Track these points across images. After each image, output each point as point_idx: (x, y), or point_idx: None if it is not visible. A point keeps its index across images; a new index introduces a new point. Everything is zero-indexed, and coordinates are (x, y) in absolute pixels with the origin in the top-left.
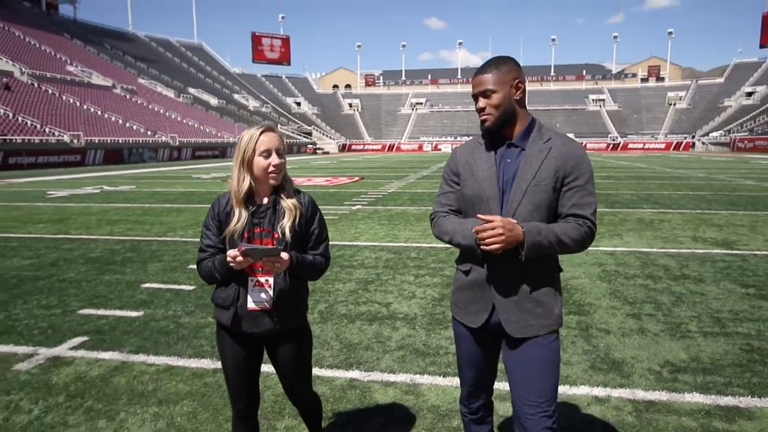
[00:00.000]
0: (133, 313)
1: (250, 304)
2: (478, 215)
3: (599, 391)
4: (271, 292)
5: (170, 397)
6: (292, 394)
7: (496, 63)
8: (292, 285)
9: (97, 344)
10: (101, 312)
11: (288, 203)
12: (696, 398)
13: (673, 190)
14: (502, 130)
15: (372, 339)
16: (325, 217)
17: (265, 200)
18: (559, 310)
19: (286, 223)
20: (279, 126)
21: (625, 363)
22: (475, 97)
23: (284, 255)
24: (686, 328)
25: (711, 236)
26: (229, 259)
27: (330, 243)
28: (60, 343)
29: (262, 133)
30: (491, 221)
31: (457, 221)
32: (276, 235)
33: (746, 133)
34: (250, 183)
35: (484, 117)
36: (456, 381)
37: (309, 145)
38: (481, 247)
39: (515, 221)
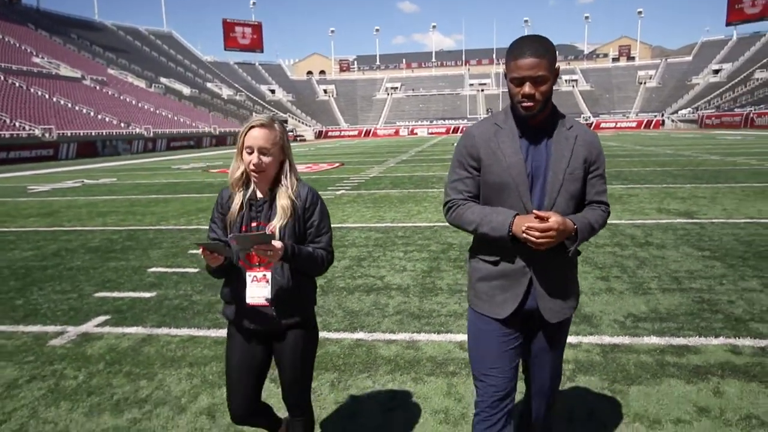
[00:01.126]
0: (147, 294)
1: (249, 300)
2: (535, 211)
3: (572, 339)
4: (269, 287)
5: (198, 360)
6: (289, 394)
7: (546, 46)
8: (293, 280)
9: (119, 321)
10: (116, 294)
11: (282, 203)
12: (653, 340)
13: (642, 166)
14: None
15: (371, 306)
16: None
17: (264, 193)
18: (579, 290)
19: (276, 223)
20: (254, 114)
21: (594, 316)
22: (522, 80)
23: (277, 243)
24: (647, 286)
25: (674, 207)
26: (199, 251)
27: None
28: (84, 321)
29: (251, 128)
30: (545, 219)
31: (482, 211)
32: (272, 230)
33: (713, 110)
34: (243, 172)
35: (530, 105)
36: (450, 336)
37: (290, 133)
38: (529, 244)
39: (565, 218)
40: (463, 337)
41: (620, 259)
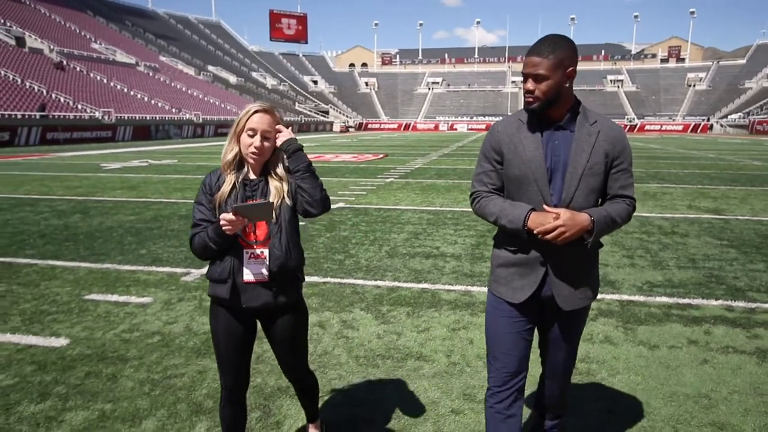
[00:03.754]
0: None
1: (247, 276)
2: (545, 207)
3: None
4: (267, 263)
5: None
6: (287, 370)
7: (553, 46)
8: (288, 256)
9: None
10: None
11: (276, 184)
12: (663, 300)
13: (680, 168)
14: (547, 111)
15: (431, 267)
16: (364, 187)
17: (257, 176)
18: (598, 281)
19: (272, 200)
20: (296, 104)
21: (617, 281)
22: (525, 76)
23: (284, 130)
24: (666, 264)
25: (704, 205)
26: (223, 222)
27: (376, 206)
28: (203, 266)
29: (255, 112)
30: (554, 216)
31: (502, 204)
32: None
33: (765, 116)
34: (237, 155)
35: (531, 99)
36: None
37: (341, 123)
38: (541, 237)
39: (576, 212)
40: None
41: (646, 243)
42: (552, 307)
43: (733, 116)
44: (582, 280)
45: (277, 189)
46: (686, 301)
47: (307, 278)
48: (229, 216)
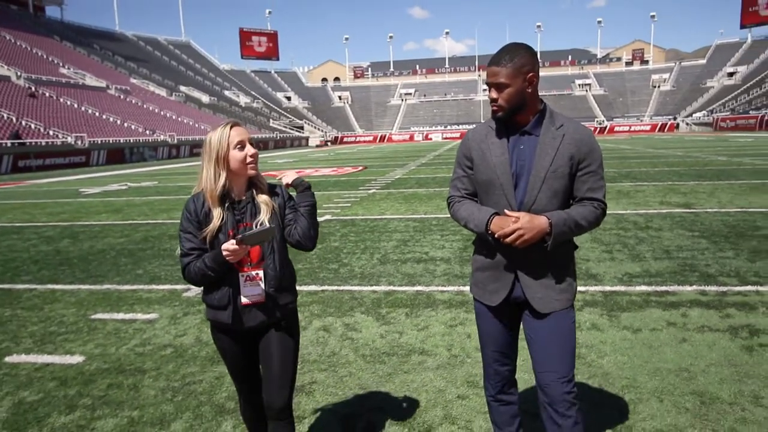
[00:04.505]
0: None
1: (244, 299)
2: (506, 211)
3: (580, 288)
4: (262, 285)
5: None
6: (276, 397)
7: (511, 54)
8: (282, 274)
9: None
10: None
11: (263, 198)
12: (642, 288)
13: (651, 167)
14: (514, 117)
15: (423, 271)
16: (348, 199)
17: (243, 196)
18: (576, 284)
19: (263, 217)
20: (271, 121)
21: (599, 275)
22: (488, 86)
23: (289, 171)
24: (643, 256)
25: (675, 200)
26: (226, 252)
27: (363, 217)
28: None
29: (231, 128)
30: (513, 219)
31: (470, 209)
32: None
33: (728, 113)
34: (226, 180)
35: (495, 108)
36: None
37: (321, 138)
38: (501, 240)
39: (535, 216)
40: None
41: (623, 238)
42: (530, 314)
43: (698, 114)
44: (555, 282)
45: (266, 204)
46: (663, 288)
47: (306, 287)
48: (233, 246)
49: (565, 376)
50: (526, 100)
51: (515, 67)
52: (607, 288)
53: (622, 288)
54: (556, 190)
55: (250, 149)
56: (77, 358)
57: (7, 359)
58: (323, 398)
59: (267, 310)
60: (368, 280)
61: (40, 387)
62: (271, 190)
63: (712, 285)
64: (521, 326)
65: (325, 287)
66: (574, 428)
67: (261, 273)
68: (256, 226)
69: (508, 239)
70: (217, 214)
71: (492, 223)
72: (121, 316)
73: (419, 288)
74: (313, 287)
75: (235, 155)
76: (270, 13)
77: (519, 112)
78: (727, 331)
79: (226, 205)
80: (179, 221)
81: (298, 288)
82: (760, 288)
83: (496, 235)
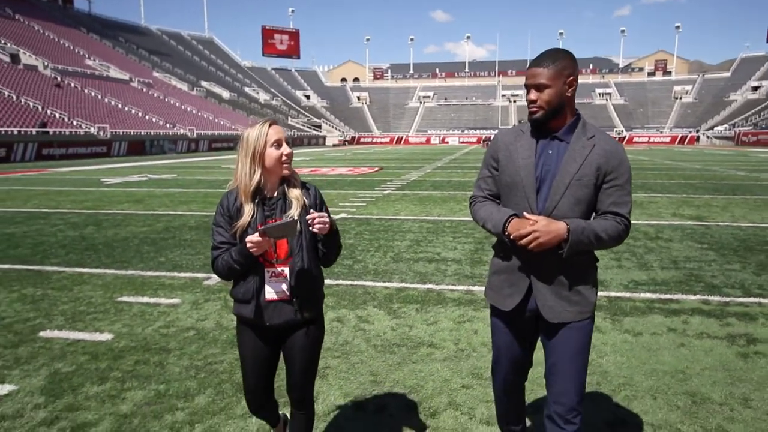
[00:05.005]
0: None
1: (269, 295)
2: (525, 213)
3: None
4: (288, 282)
5: None
6: (295, 386)
7: (553, 57)
8: (308, 273)
9: None
10: None
11: (294, 193)
12: (647, 295)
13: (667, 179)
14: (549, 122)
15: (434, 270)
16: (363, 199)
17: (275, 193)
18: (594, 299)
19: (293, 212)
20: (289, 119)
21: (606, 281)
22: (528, 87)
23: (321, 215)
24: (651, 265)
25: (688, 213)
26: (249, 244)
27: (377, 217)
28: None
29: (269, 126)
30: (531, 222)
31: (490, 209)
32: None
33: (750, 127)
34: (261, 176)
35: (534, 109)
36: None
37: (339, 138)
38: (516, 243)
39: (553, 221)
40: None
41: (632, 247)
42: (544, 323)
43: (719, 128)
44: (568, 292)
45: (297, 199)
46: (667, 296)
47: None
48: (256, 238)
49: (576, 389)
50: (564, 105)
51: (557, 68)
52: (613, 294)
53: (627, 294)
54: (579, 198)
55: (286, 148)
56: (106, 336)
57: (41, 334)
58: (336, 382)
59: (292, 308)
60: (381, 276)
61: (73, 360)
62: (305, 189)
63: (715, 295)
64: (538, 340)
65: (340, 281)
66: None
67: (287, 270)
68: (286, 219)
69: (523, 241)
70: (248, 209)
71: (509, 225)
72: (145, 299)
73: (430, 286)
74: (328, 281)
75: (271, 153)
76: (293, 11)
77: (555, 116)
78: (725, 338)
79: (257, 200)
80: (213, 214)
81: None
82: (762, 300)
83: (511, 237)
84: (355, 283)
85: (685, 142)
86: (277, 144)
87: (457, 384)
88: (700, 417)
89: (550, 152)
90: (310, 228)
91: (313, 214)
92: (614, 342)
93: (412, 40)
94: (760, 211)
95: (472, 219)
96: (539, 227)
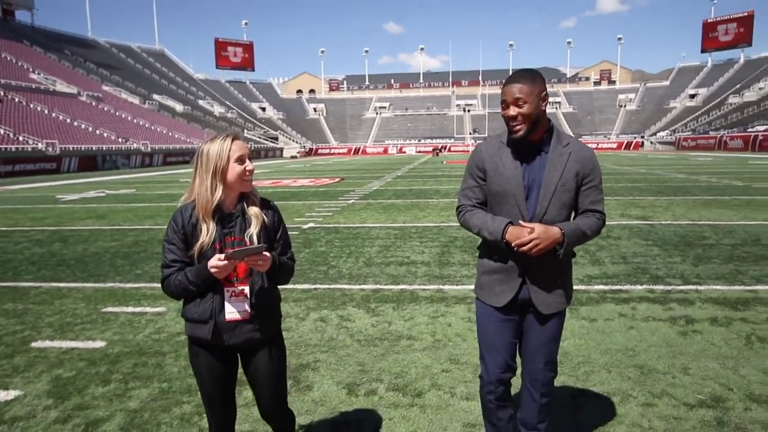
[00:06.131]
0: None
1: (230, 315)
2: (520, 222)
3: None
4: (248, 301)
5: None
6: (267, 410)
7: (528, 76)
8: (268, 292)
9: None
10: None
11: (254, 210)
12: (599, 287)
13: (614, 182)
14: (528, 136)
15: (406, 273)
16: (329, 208)
17: (233, 209)
18: (572, 286)
19: (253, 230)
20: (245, 131)
21: None
22: (506, 104)
23: (267, 253)
24: (602, 261)
25: (634, 213)
26: (213, 269)
27: (345, 225)
28: None
29: (233, 140)
30: (529, 230)
31: (483, 218)
32: (247, 244)
33: (690, 133)
34: (222, 193)
35: (517, 128)
36: (464, 287)
37: (300, 149)
38: (517, 250)
39: (549, 226)
40: (472, 285)
41: (586, 246)
42: (531, 312)
43: (661, 134)
44: (558, 285)
45: (256, 216)
46: (617, 287)
47: (299, 285)
48: (220, 262)
49: (552, 364)
50: (540, 118)
51: (533, 85)
52: None
53: (582, 287)
54: (564, 202)
55: (249, 164)
56: (99, 344)
57: (33, 344)
58: (327, 372)
59: (252, 326)
60: (356, 279)
61: (72, 366)
62: (264, 206)
63: (659, 284)
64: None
65: (317, 285)
66: (547, 404)
67: (247, 289)
68: (247, 239)
69: (525, 248)
70: (206, 228)
71: (508, 233)
72: (130, 309)
73: (403, 286)
74: (306, 285)
75: (234, 168)
76: (246, 24)
77: (534, 130)
78: (667, 320)
79: (216, 218)
80: (165, 231)
81: (291, 285)
82: (699, 287)
83: (513, 244)
84: (333, 286)
85: (631, 148)
86: (240, 160)
87: (437, 369)
88: (647, 384)
89: (533, 162)
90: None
91: (253, 257)
92: (573, 328)
93: (366, 51)
94: (698, 209)
95: (462, 226)
96: (539, 234)
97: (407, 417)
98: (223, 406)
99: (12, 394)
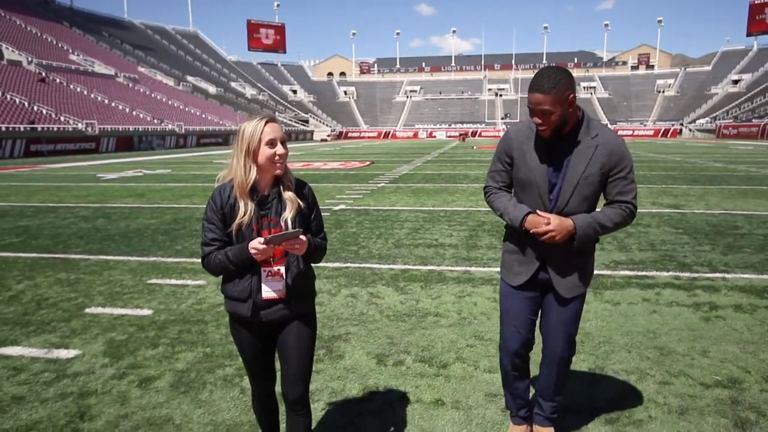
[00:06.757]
0: None
1: (266, 294)
2: (537, 211)
3: None
4: (284, 281)
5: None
6: (292, 389)
7: (554, 80)
8: (303, 272)
9: None
10: None
11: (289, 195)
12: (625, 272)
13: (648, 170)
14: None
15: (434, 254)
16: (359, 191)
17: (268, 190)
18: (593, 271)
19: (288, 215)
20: (277, 114)
21: None
22: (532, 111)
23: (303, 237)
24: (629, 247)
25: (666, 202)
26: (253, 251)
27: (375, 208)
28: None
29: (266, 123)
30: (546, 221)
31: (506, 203)
32: (282, 227)
33: (731, 120)
34: (256, 173)
35: (542, 129)
36: (490, 269)
37: (330, 132)
38: (536, 237)
39: (564, 218)
40: (498, 268)
41: (614, 233)
42: (551, 292)
43: (701, 121)
44: (577, 270)
45: (291, 201)
46: (643, 273)
47: (331, 264)
48: (260, 246)
49: (571, 344)
50: (568, 118)
51: (558, 92)
52: (595, 272)
53: (608, 272)
54: (586, 195)
55: (280, 148)
56: (147, 311)
57: (87, 311)
58: (358, 344)
59: (288, 304)
60: (385, 260)
61: (123, 330)
62: (299, 188)
63: (685, 272)
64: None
65: (348, 264)
66: (563, 379)
67: (282, 269)
68: (282, 223)
69: (542, 238)
70: (243, 207)
71: (527, 221)
72: (173, 281)
73: (431, 267)
74: (337, 264)
75: (265, 151)
76: (278, 5)
77: (561, 129)
78: (691, 306)
79: (253, 198)
80: (204, 209)
81: (323, 264)
82: (726, 275)
83: (531, 232)
84: (363, 265)
85: (668, 135)
86: (271, 143)
87: (462, 344)
88: (665, 364)
89: (560, 154)
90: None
91: (290, 241)
92: (596, 310)
93: (398, 34)
94: (733, 199)
95: (488, 207)
96: (554, 227)
97: (433, 385)
98: (263, 373)
99: (72, 353)
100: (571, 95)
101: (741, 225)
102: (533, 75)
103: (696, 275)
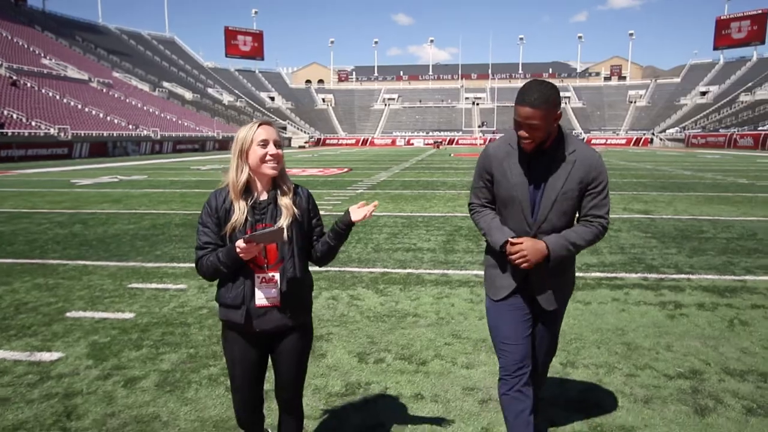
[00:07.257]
0: None
1: (260, 301)
2: (509, 239)
3: None
4: (278, 288)
5: None
6: (285, 388)
7: (545, 96)
8: (299, 279)
9: None
10: None
11: (285, 201)
12: (595, 274)
13: (620, 178)
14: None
15: (412, 258)
16: (338, 197)
17: (265, 195)
18: (574, 281)
19: (284, 221)
20: (253, 120)
21: None
22: (519, 125)
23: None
24: (601, 251)
25: (636, 208)
26: (238, 249)
27: None
28: None
29: (259, 125)
30: (520, 244)
31: (489, 223)
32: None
33: (699, 130)
34: (249, 175)
35: (526, 143)
36: (467, 272)
37: (309, 139)
38: (513, 262)
39: (537, 241)
40: (475, 271)
41: None
42: (536, 306)
43: (671, 130)
44: (560, 284)
45: (287, 208)
46: (613, 275)
47: (311, 268)
48: (243, 244)
49: (553, 351)
50: (551, 132)
51: (548, 109)
52: None
53: (580, 274)
54: (565, 210)
55: (271, 149)
56: (128, 315)
57: (68, 314)
58: (340, 343)
59: (282, 313)
60: (365, 263)
61: (106, 333)
62: (296, 191)
63: (653, 273)
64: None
65: (329, 268)
66: (544, 378)
67: (277, 276)
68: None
69: (518, 262)
70: (237, 210)
71: (507, 251)
72: (154, 285)
73: (410, 270)
74: (316, 268)
75: (256, 151)
76: (256, 12)
77: (543, 143)
78: (658, 305)
79: (249, 202)
80: (195, 213)
81: None
82: (691, 276)
83: (507, 258)
84: (343, 269)
85: (640, 144)
86: (263, 144)
87: (440, 342)
88: (632, 359)
89: (539, 170)
90: (362, 218)
91: (368, 208)
92: (568, 310)
93: (376, 42)
94: (700, 205)
95: (465, 213)
96: (527, 250)
97: (412, 381)
98: (251, 403)
99: (55, 355)
100: (558, 111)
101: (706, 229)
102: (519, 86)
103: (663, 276)
